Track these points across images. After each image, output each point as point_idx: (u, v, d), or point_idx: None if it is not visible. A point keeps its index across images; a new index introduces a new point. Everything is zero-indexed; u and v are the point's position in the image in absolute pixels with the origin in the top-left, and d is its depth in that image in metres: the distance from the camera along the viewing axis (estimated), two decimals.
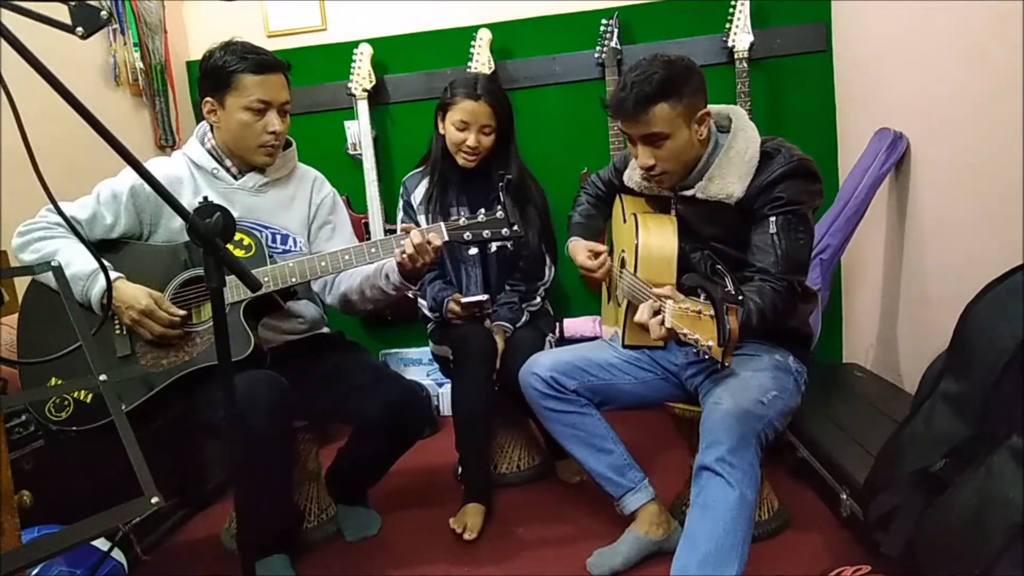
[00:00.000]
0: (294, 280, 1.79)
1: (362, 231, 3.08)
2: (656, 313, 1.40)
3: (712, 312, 1.25)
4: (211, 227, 1.30)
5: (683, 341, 1.34)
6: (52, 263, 0.97)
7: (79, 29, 1.03)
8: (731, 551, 1.41)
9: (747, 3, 2.74)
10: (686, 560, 1.43)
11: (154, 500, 0.68)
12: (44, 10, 1.03)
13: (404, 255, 1.76)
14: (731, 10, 2.76)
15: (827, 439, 2.07)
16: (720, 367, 1.27)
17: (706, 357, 1.28)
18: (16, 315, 1.82)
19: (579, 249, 1.97)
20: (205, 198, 1.38)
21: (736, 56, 2.74)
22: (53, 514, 1.68)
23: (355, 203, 3.11)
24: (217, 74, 1.84)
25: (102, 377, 0.83)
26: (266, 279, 1.77)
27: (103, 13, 1.03)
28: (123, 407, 1.71)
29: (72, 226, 1.15)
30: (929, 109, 2.18)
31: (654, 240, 1.74)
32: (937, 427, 1.36)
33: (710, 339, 1.24)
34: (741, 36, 2.74)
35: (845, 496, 1.83)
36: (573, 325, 2.96)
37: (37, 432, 1.80)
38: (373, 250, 1.82)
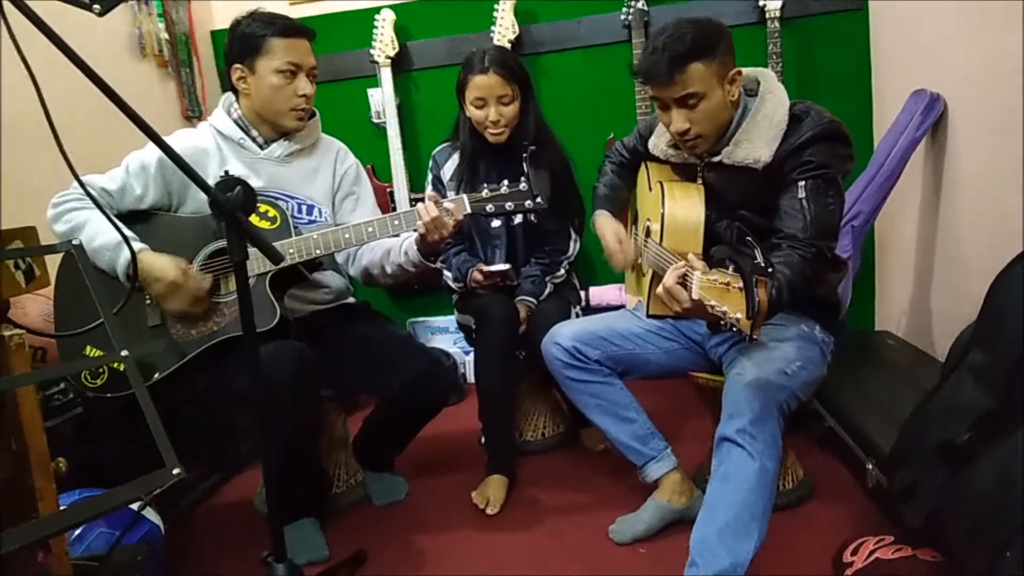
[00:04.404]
0: (318, 252, 1.80)
1: (387, 200, 3.09)
2: (683, 279, 1.39)
3: (741, 284, 1.23)
4: (233, 200, 1.32)
5: (710, 313, 1.32)
6: (73, 242, 0.99)
7: (96, 6, 1.03)
8: (750, 522, 1.41)
9: None
10: (705, 530, 1.44)
11: (175, 471, 0.70)
12: None
13: (422, 226, 1.77)
14: None
15: (854, 408, 2.05)
16: (748, 340, 1.26)
17: (734, 330, 1.27)
18: (48, 287, 1.87)
19: (607, 230, 1.94)
20: (226, 172, 1.39)
21: (767, 16, 2.66)
22: (93, 478, 1.74)
23: (380, 172, 3.11)
24: (246, 40, 1.86)
25: (124, 352, 0.85)
26: (291, 251, 1.79)
27: None
28: (156, 375, 1.77)
29: (94, 199, 1.16)
30: (967, 70, 2.10)
31: (680, 209, 1.72)
32: (963, 399, 1.33)
33: (738, 312, 1.22)
34: None
35: (871, 467, 1.81)
36: (599, 293, 2.95)
37: (76, 399, 1.86)
38: (396, 222, 1.82)
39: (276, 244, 1.78)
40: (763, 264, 1.21)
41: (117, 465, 1.89)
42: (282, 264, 1.70)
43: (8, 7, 0.95)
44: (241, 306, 1.36)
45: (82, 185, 1.13)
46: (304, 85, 1.88)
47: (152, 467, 1.98)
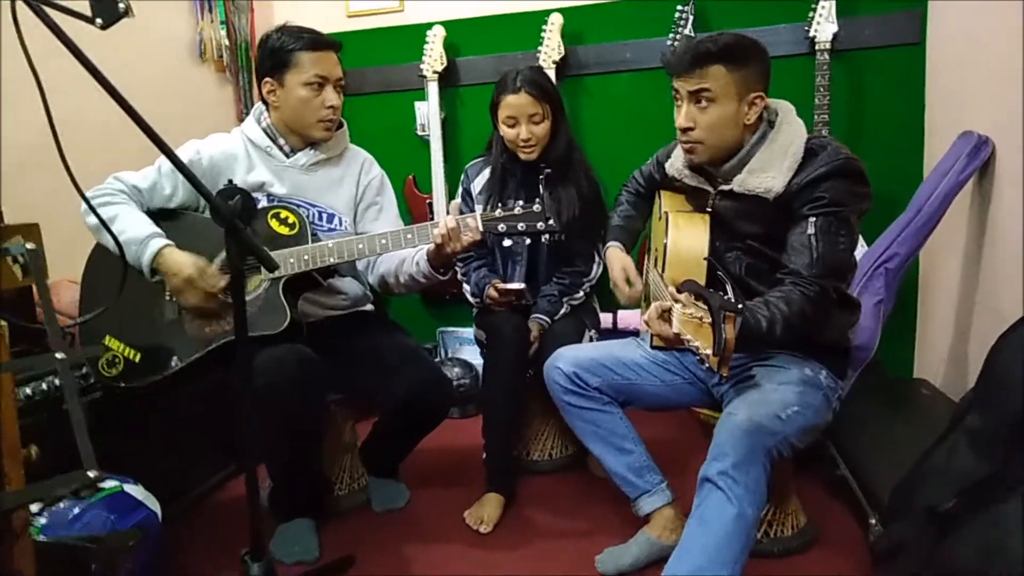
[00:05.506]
0: (331, 260, 1.85)
1: (426, 211, 3.14)
2: (667, 313, 1.37)
3: (711, 320, 1.21)
4: (232, 208, 1.38)
5: (687, 347, 1.31)
6: (28, 245, 1.05)
7: (98, 20, 1.10)
8: (721, 569, 1.37)
9: None
10: (674, 571, 1.41)
11: (91, 474, 0.73)
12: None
13: (439, 235, 1.80)
14: None
15: (869, 459, 1.97)
16: (720, 378, 1.24)
17: (706, 366, 1.25)
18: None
19: (615, 264, 1.93)
20: (230, 181, 1.45)
21: (817, 47, 2.59)
22: (109, 461, 1.83)
23: (421, 183, 3.17)
24: (276, 54, 1.93)
25: (59, 355, 0.89)
26: (306, 257, 1.84)
27: (121, 5, 1.09)
28: (165, 371, 1.84)
29: (95, 210, 1.24)
30: (1020, 112, 2.00)
31: (684, 240, 1.70)
32: (956, 464, 1.27)
33: (708, 347, 1.21)
34: (824, 25, 2.58)
35: (874, 521, 1.73)
36: (626, 317, 2.91)
37: (96, 384, 1.95)
38: (409, 236, 1.86)
39: (293, 250, 1.84)
40: (733, 300, 1.18)
41: (134, 449, 1.98)
42: (278, 272, 1.76)
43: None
44: (236, 310, 1.41)
45: (86, 200, 1.21)
46: (331, 97, 1.94)
47: (166, 453, 2.03)
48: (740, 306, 1.20)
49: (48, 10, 1.06)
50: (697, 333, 1.26)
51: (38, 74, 1.07)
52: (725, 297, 1.20)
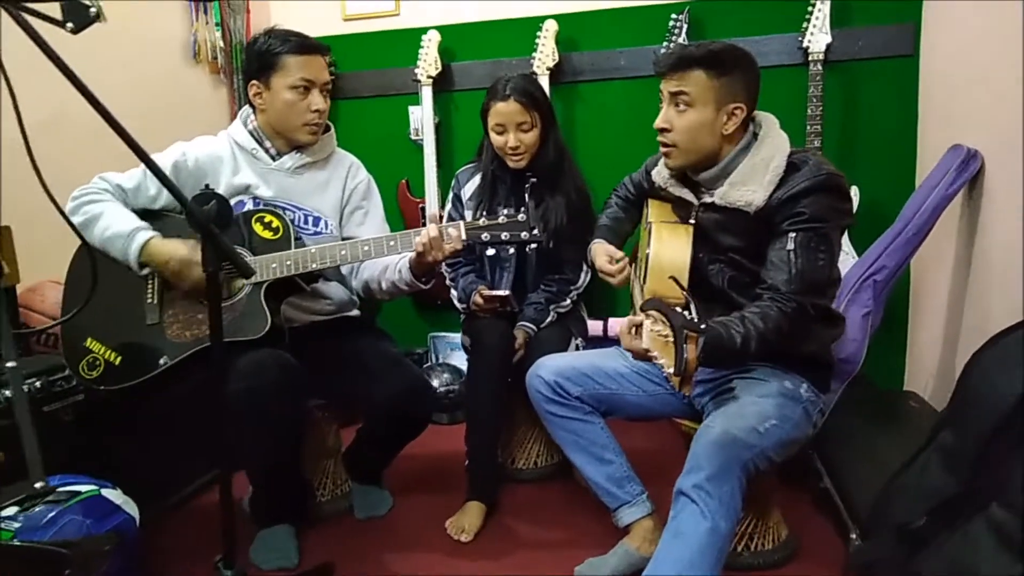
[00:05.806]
0: (314, 266, 1.85)
1: (418, 215, 3.14)
2: (636, 329, 1.37)
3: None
4: (206, 213, 1.38)
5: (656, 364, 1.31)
6: None
7: (69, 24, 1.10)
8: None
9: (827, 2, 2.58)
10: None
11: (38, 485, 0.72)
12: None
13: (420, 244, 1.79)
14: (809, 8, 2.60)
15: (853, 471, 1.95)
16: (682, 397, 1.23)
17: (671, 384, 1.25)
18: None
19: (599, 253, 1.93)
20: (207, 185, 1.44)
21: (810, 57, 2.59)
22: (92, 464, 1.83)
23: (414, 188, 3.16)
24: (263, 57, 1.93)
25: (10, 363, 0.89)
26: (288, 262, 1.84)
27: (92, 10, 1.09)
28: (147, 374, 1.83)
29: (68, 218, 1.24)
30: (1011, 127, 1.99)
31: (666, 251, 1.69)
32: (929, 480, 1.26)
33: (672, 366, 1.21)
34: (818, 36, 2.58)
35: (854, 536, 1.72)
36: (616, 324, 2.91)
37: (78, 386, 1.95)
38: (392, 243, 1.85)
39: (275, 255, 1.84)
40: (695, 320, 1.18)
41: (116, 451, 1.98)
42: (259, 277, 1.76)
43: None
44: (211, 316, 1.41)
45: (61, 212, 1.21)
46: (317, 100, 1.94)
47: (149, 455, 1.99)
48: (703, 327, 1.20)
49: (25, 14, 1.07)
50: (663, 350, 1.26)
51: (7, 76, 1.07)
52: (688, 317, 1.20)
